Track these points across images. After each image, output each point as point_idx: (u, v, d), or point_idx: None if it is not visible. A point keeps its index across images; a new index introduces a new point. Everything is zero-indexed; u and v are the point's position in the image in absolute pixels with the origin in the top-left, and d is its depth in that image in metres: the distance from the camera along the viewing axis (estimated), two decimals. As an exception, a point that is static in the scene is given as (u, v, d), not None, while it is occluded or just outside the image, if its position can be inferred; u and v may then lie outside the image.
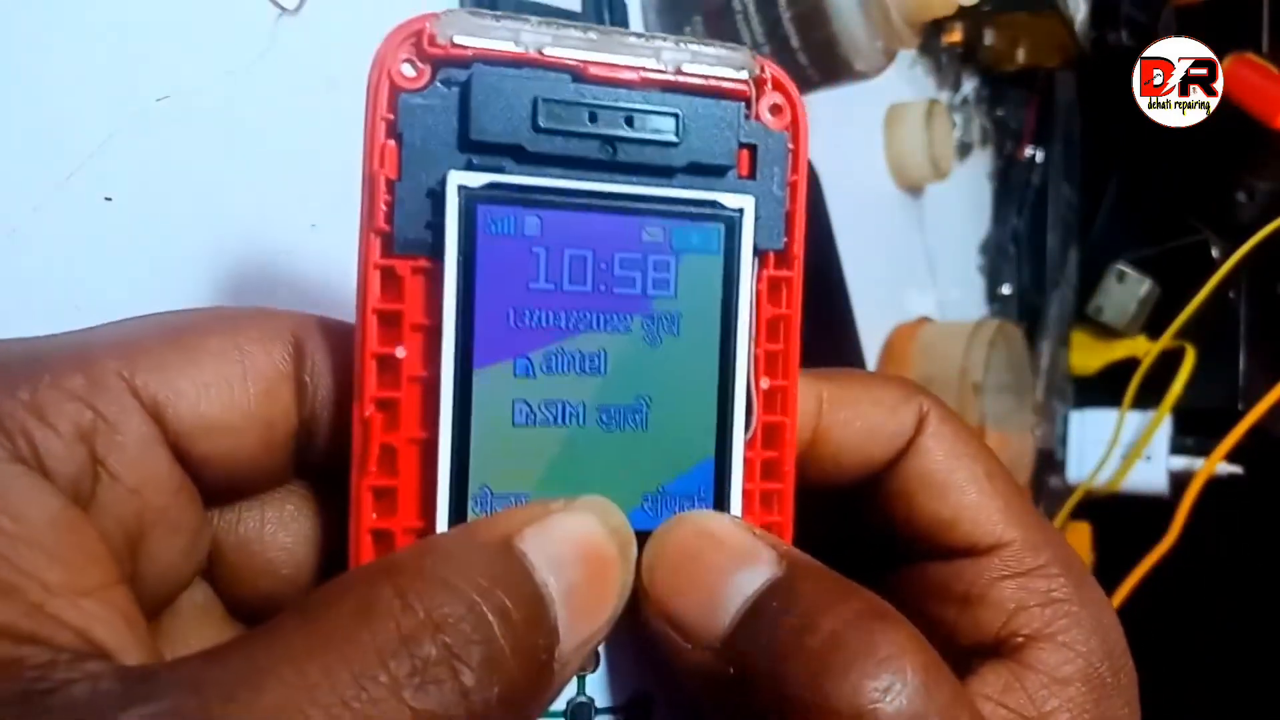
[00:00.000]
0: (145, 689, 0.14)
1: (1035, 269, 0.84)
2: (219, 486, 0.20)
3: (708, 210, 0.21)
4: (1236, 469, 0.78)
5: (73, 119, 0.29)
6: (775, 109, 0.21)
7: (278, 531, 0.22)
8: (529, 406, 0.20)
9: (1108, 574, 0.77)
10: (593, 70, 0.20)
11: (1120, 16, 0.79)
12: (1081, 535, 0.83)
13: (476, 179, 0.19)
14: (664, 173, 0.21)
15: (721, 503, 0.21)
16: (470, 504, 0.19)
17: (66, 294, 0.29)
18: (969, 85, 0.80)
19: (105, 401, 0.18)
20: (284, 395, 0.20)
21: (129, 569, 0.18)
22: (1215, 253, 0.81)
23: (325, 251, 0.34)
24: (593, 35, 0.20)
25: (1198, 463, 0.78)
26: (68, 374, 0.18)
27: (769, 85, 0.21)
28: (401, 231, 0.19)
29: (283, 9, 0.34)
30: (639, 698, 0.21)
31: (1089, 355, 0.87)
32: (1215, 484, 0.77)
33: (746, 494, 0.21)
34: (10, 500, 0.16)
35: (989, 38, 0.75)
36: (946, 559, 0.23)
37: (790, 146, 0.21)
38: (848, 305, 0.62)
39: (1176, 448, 0.82)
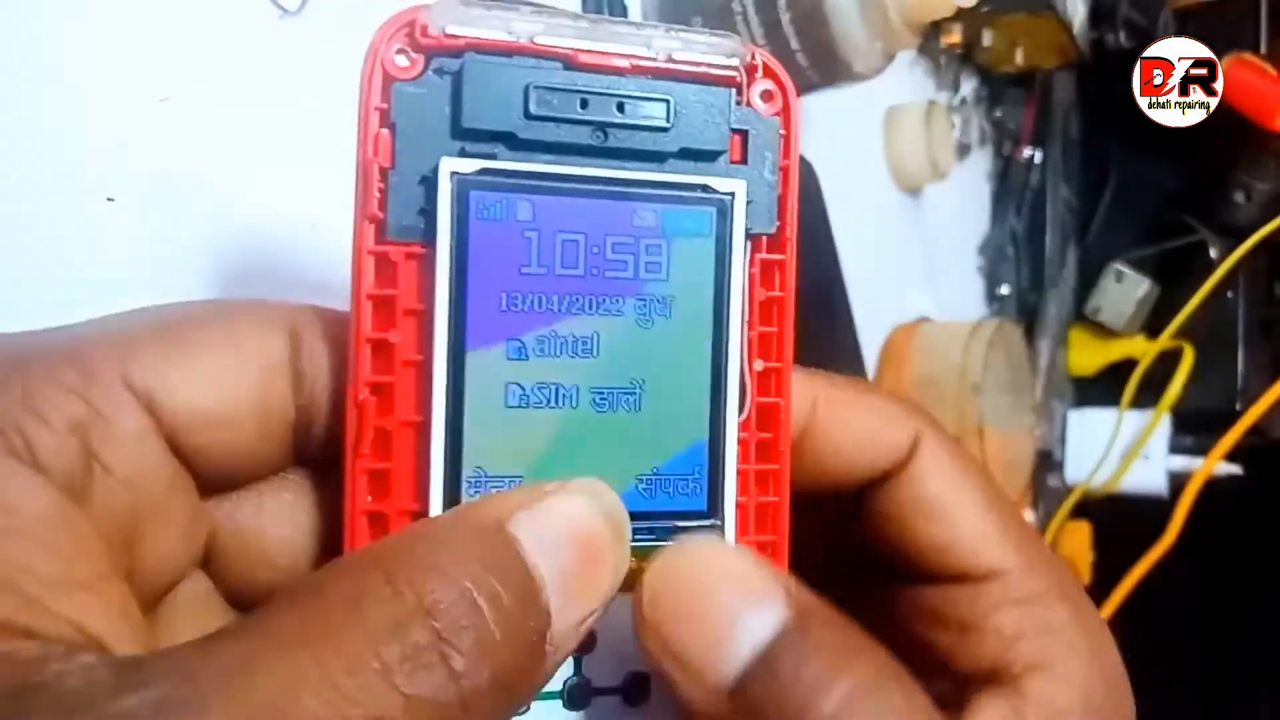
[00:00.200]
0: (137, 678, 0.14)
1: (1034, 269, 0.84)
2: (216, 477, 0.20)
3: (699, 194, 0.21)
4: (1235, 469, 0.79)
5: (75, 120, 0.29)
6: (766, 95, 0.21)
7: (276, 521, 0.21)
8: (522, 389, 0.20)
9: (1106, 574, 0.77)
10: (584, 58, 0.20)
11: (1118, 18, 0.79)
12: (1080, 535, 0.83)
13: (469, 165, 0.19)
14: (655, 158, 0.21)
15: (715, 483, 0.21)
16: (464, 486, 0.20)
17: (68, 294, 0.29)
18: (968, 86, 0.81)
19: (98, 395, 0.18)
20: (280, 384, 0.20)
21: (125, 561, 0.18)
22: (1213, 253, 0.81)
23: (327, 251, 0.34)
24: (584, 24, 0.20)
25: (1196, 462, 0.78)
26: (61, 368, 0.18)
27: (760, 72, 0.21)
28: (395, 218, 0.19)
29: (284, 10, 0.34)
30: (636, 678, 0.21)
31: (1087, 355, 0.87)
32: (1214, 484, 0.77)
33: (741, 474, 0.21)
34: (4, 495, 0.16)
35: (988, 39, 0.75)
36: (942, 583, 0.23)
37: (782, 132, 0.21)
38: (847, 305, 0.62)
39: (1175, 448, 0.82)
